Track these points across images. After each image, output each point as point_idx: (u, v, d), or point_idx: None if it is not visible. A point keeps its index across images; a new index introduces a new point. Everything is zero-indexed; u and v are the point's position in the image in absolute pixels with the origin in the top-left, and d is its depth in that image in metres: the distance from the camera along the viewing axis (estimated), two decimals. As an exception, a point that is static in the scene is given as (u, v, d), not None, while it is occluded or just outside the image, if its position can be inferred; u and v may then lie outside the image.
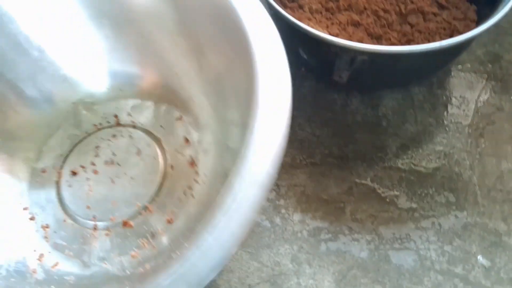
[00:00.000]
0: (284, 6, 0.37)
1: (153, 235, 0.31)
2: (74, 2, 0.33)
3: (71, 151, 0.35)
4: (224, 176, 0.30)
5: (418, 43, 0.35)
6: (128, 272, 0.28)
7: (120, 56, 0.35)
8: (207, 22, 0.29)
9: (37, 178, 0.34)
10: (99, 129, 0.36)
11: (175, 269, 0.18)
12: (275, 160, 0.21)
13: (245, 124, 0.25)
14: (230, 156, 0.30)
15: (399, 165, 0.34)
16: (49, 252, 0.30)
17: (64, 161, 0.35)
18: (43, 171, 0.35)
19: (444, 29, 0.35)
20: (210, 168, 0.33)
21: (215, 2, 0.27)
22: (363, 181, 0.33)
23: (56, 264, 0.30)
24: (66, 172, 0.34)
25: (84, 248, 0.30)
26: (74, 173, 0.34)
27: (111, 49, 0.35)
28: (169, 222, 0.31)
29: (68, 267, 0.29)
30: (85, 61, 0.36)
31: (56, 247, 0.31)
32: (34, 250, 0.30)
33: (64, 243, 0.31)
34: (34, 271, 0.29)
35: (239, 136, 0.28)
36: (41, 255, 0.30)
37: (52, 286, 0.28)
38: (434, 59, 0.32)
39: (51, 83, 0.35)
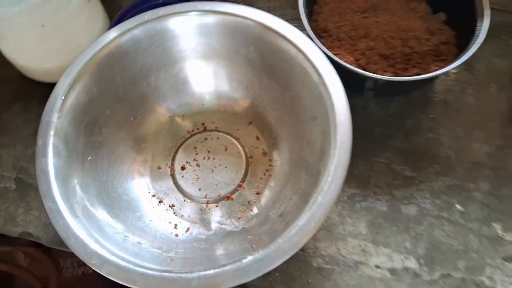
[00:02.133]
0: (319, 37, 0.51)
1: (249, 203, 0.46)
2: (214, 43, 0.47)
3: (176, 152, 0.50)
4: (291, 159, 0.46)
5: (415, 62, 0.50)
6: (240, 228, 0.44)
7: (224, 82, 0.50)
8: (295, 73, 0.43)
9: (155, 173, 0.49)
10: (192, 135, 0.51)
11: (309, 206, 0.34)
12: (348, 153, 0.36)
13: (316, 119, 0.40)
14: (298, 144, 0.45)
15: (404, 147, 0.50)
16: (180, 222, 0.45)
17: (173, 159, 0.49)
18: (159, 167, 0.49)
19: (434, 51, 0.50)
20: (279, 155, 0.48)
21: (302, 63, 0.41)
22: (381, 160, 0.50)
23: (188, 229, 0.45)
24: (177, 167, 0.49)
25: (204, 217, 0.46)
26: (183, 168, 0.49)
27: (223, 76, 0.49)
28: (258, 193, 0.46)
29: (197, 230, 0.45)
30: (201, 83, 0.50)
31: (184, 218, 0.46)
32: (170, 222, 0.45)
33: (189, 215, 0.46)
34: (177, 235, 0.44)
35: (307, 130, 0.43)
36: (176, 225, 0.45)
37: (193, 243, 0.43)
38: (429, 78, 0.47)
39: (180, 96, 0.50)
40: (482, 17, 0.47)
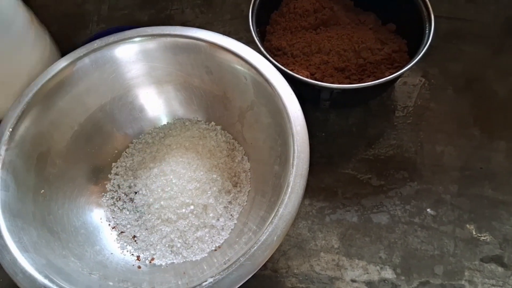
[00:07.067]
0: (274, 55, 0.52)
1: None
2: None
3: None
4: (257, 179, 0.45)
5: (370, 71, 0.50)
6: (207, 251, 0.42)
7: (181, 106, 0.50)
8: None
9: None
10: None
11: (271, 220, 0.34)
12: (307, 162, 0.36)
13: (273, 135, 0.40)
14: (262, 163, 0.44)
15: (368, 156, 0.50)
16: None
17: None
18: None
19: (387, 59, 0.51)
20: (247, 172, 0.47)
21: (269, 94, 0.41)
22: (346, 171, 0.49)
23: (152, 259, 0.43)
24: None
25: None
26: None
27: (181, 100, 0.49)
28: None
29: (161, 259, 0.43)
30: (158, 109, 0.50)
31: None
32: (132, 254, 0.43)
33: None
34: (139, 267, 0.42)
35: (268, 148, 0.42)
36: (138, 256, 0.43)
37: (157, 273, 0.41)
38: (382, 85, 0.47)
39: (137, 123, 0.49)
40: (430, 23, 0.48)
